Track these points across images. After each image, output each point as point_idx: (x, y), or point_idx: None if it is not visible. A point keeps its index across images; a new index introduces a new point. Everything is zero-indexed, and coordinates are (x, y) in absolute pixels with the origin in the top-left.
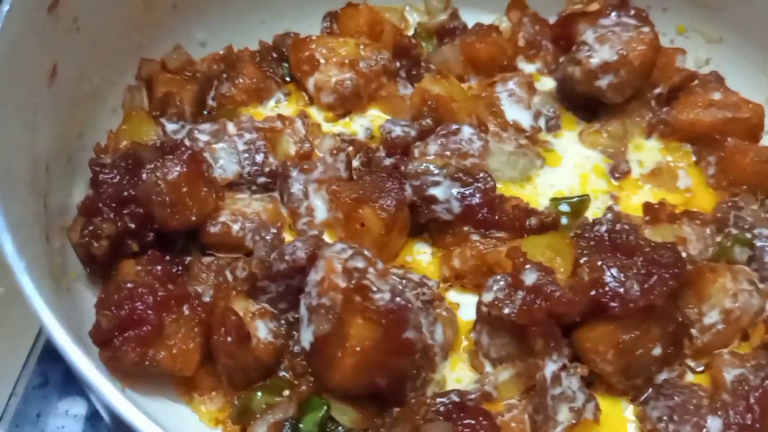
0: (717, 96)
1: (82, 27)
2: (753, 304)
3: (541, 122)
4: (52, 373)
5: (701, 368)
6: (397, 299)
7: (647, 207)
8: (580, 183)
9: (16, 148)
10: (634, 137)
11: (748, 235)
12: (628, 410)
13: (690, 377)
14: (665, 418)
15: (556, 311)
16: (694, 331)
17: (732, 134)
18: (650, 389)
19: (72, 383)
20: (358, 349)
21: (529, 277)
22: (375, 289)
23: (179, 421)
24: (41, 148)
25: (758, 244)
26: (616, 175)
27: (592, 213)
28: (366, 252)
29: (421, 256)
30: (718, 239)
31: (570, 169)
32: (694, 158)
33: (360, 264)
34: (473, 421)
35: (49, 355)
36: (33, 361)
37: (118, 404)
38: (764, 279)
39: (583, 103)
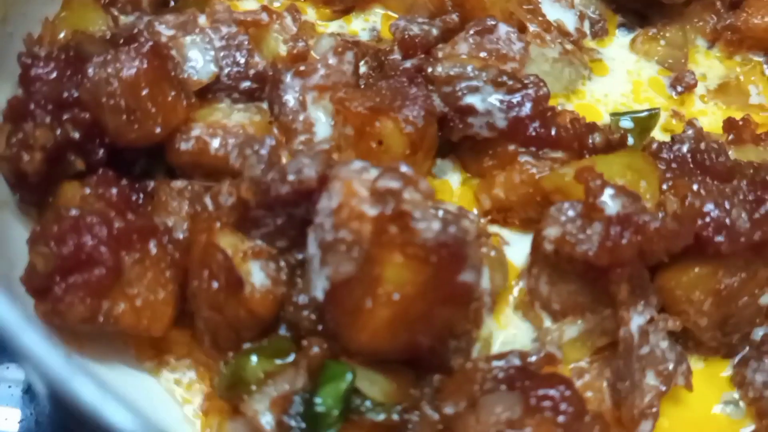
0: None
1: None
2: None
3: (586, 26)
4: None
5: None
6: (452, 228)
7: (729, 123)
8: (635, 98)
9: None
10: (696, 45)
11: None
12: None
13: None
14: None
15: (651, 247)
16: None
17: None
18: (747, 347)
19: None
20: (395, 297)
21: (612, 205)
22: (419, 216)
23: (144, 395)
24: None
25: None
26: (679, 89)
27: (658, 129)
28: (403, 167)
29: (450, 181)
30: None
31: (622, 81)
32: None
33: (395, 183)
34: (550, 390)
35: None
36: None
37: (60, 375)
38: None
39: (634, 4)
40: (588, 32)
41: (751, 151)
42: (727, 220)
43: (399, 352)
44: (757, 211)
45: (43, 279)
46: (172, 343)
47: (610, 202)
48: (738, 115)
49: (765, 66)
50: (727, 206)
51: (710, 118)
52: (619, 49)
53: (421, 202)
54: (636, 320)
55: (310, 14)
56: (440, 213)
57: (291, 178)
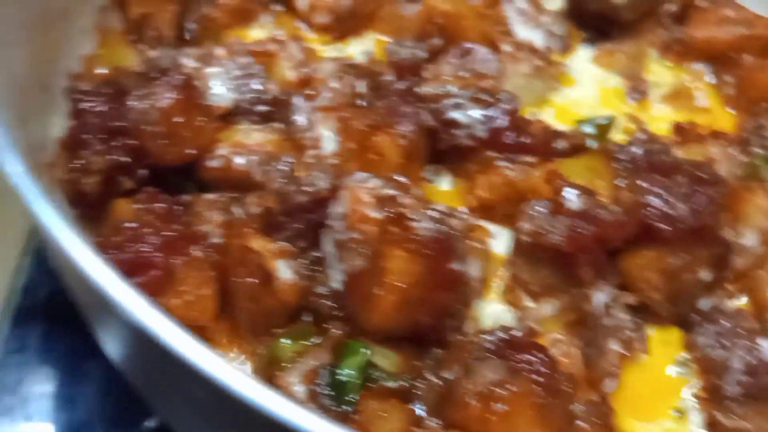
0: (729, 12)
1: None
2: None
3: (553, 42)
4: (30, 337)
5: (744, 297)
6: (441, 227)
7: (678, 127)
8: (599, 105)
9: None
10: (649, 57)
11: None
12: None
13: (730, 303)
14: (715, 344)
15: (606, 236)
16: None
17: (748, 52)
18: (696, 316)
19: (53, 347)
20: (398, 284)
21: (573, 202)
22: (415, 217)
23: None
24: (17, 70)
25: None
26: (635, 97)
27: (617, 133)
28: (397, 177)
29: (438, 184)
30: (744, 159)
31: (587, 91)
32: (709, 78)
33: (393, 191)
34: (529, 356)
35: (26, 318)
36: (7, 325)
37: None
38: None
39: (594, 22)
40: (554, 48)
41: (696, 150)
42: (670, 211)
43: (405, 329)
44: (694, 202)
45: None
46: (216, 333)
47: (572, 199)
48: (686, 117)
49: (706, 74)
50: (670, 199)
51: (664, 120)
52: (583, 62)
53: (415, 205)
54: (599, 297)
55: (311, 40)
56: (432, 213)
57: (307, 189)
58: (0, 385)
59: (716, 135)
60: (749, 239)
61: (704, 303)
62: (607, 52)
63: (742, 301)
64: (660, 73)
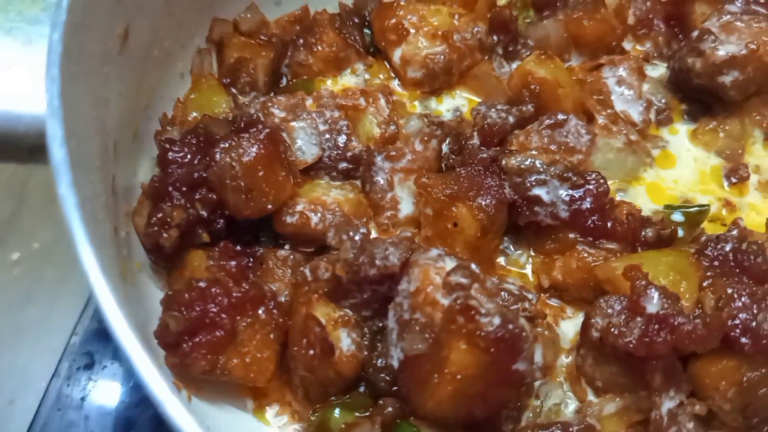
0: None
1: None
2: None
3: (652, 114)
4: (99, 353)
5: None
6: (510, 326)
7: None
8: (692, 186)
9: (88, 130)
10: (753, 137)
11: None
12: None
13: None
14: None
15: (684, 347)
16: None
17: None
18: (766, 429)
19: (120, 364)
20: (458, 377)
21: (653, 305)
22: (483, 311)
23: None
24: (110, 125)
25: None
26: (733, 180)
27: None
28: (472, 266)
29: (515, 258)
30: None
31: (682, 170)
32: None
33: (464, 280)
34: None
35: (96, 334)
36: (77, 340)
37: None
38: None
39: (698, 95)
40: (653, 119)
41: None
42: (754, 324)
43: (458, 420)
44: None
45: (174, 336)
46: (272, 391)
47: (651, 301)
48: None
49: None
50: (755, 310)
51: (761, 211)
52: (682, 138)
53: (486, 296)
54: (666, 404)
55: (401, 92)
56: (502, 307)
57: (378, 263)
58: None
59: None
60: None
61: None
62: (708, 130)
63: None
64: (763, 156)
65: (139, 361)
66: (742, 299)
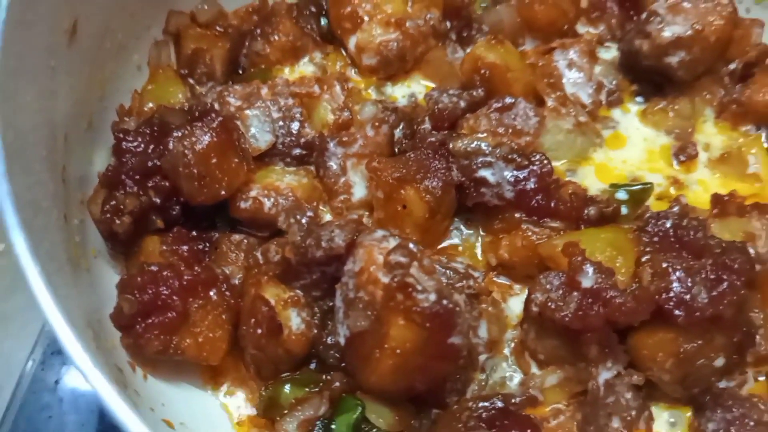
0: None
1: None
2: None
3: (602, 96)
4: None
5: (762, 377)
6: (444, 301)
7: (716, 199)
8: (641, 165)
9: (32, 121)
10: (703, 117)
11: None
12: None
13: (750, 385)
14: (721, 431)
15: (616, 319)
16: (757, 337)
17: None
18: (707, 398)
19: None
20: (398, 351)
21: (587, 279)
22: (420, 288)
23: (201, 409)
24: (59, 116)
25: None
26: (681, 159)
27: (652, 197)
28: (411, 245)
29: (466, 237)
30: None
31: (632, 149)
32: (766, 144)
33: (403, 259)
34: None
35: None
36: None
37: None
38: None
39: (649, 76)
40: (604, 101)
41: (734, 223)
42: (688, 296)
43: (400, 392)
44: (715, 289)
45: (128, 319)
46: (226, 369)
47: (587, 276)
48: (735, 183)
49: (764, 139)
50: (690, 283)
51: (708, 186)
52: (631, 118)
53: (423, 274)
54: (604, 375)
55: (357, 79)
56: (439, 283)
57: (324, 245)
58: None
59: (761, 208)
60: None
61: (720, 385)
62: (658, 110)
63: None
64: (713, 135)
65: (69, 344)
66: (677, 273)
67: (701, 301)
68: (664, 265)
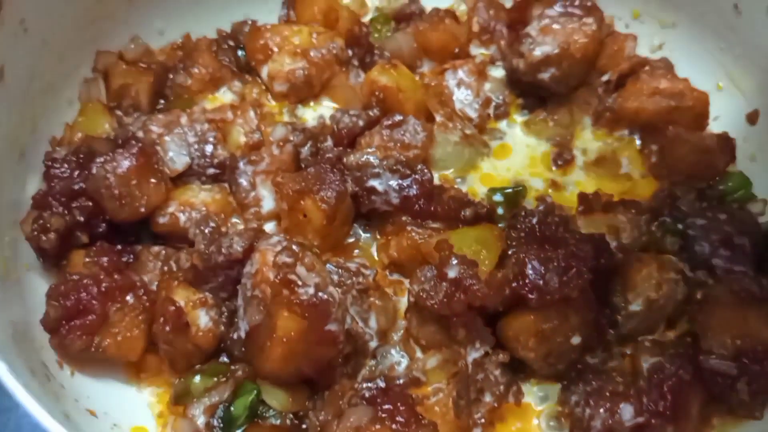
0: (663, 84)
1: (31, 28)
2: (678, 293)
3: (490, 110)
4: None
5: (628, 352)
6: (320, 294)
7: (581, 197)
8: (523, 171)
9: None
10: (581, 125)
11: (680, 226)
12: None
13: (617, 362)
14: (581, 402)
15: (474, 304)
16: (620, 318)
17: (676, 123)
18: (573, 374)
19: None
20: (284, 339)
21: (452, 270)
22: (300, 283)
23: (124, 401)
24: None
25: (691, 233)
26: (559, 163)
27: (532, 198)
28: (294, 246)
29: (364, 240)
30: (653, 227)
31: (516, 157)
32: (639, 146)
33: (288, 258)
34: (392, 406)
35: None
36: None
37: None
38: (695, 268)
39: (533, 90)
40: (492, 114)
41: (599, 219)
42: (541, 282)
43: (291, 377)
44: (565, 275)
45: (54, 322)
46: (147, 364)
47: (452, 268)
48: (608, 183)
49: (636, 141)
50: (543, 271)
51: (584, 185)
52: (516, 129)
53: (305, 271)
54: (472, 354)
55: (273, 104)
56: (320, 278)
57: (224, 251)
58: None
59: (627, 204)
60: (636, 306)
61: (587, 361)
62: (539, 120)
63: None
64: (590, 140)
65: None
66: (533, 262)
67: (552, 285)
68: (522, 256)
